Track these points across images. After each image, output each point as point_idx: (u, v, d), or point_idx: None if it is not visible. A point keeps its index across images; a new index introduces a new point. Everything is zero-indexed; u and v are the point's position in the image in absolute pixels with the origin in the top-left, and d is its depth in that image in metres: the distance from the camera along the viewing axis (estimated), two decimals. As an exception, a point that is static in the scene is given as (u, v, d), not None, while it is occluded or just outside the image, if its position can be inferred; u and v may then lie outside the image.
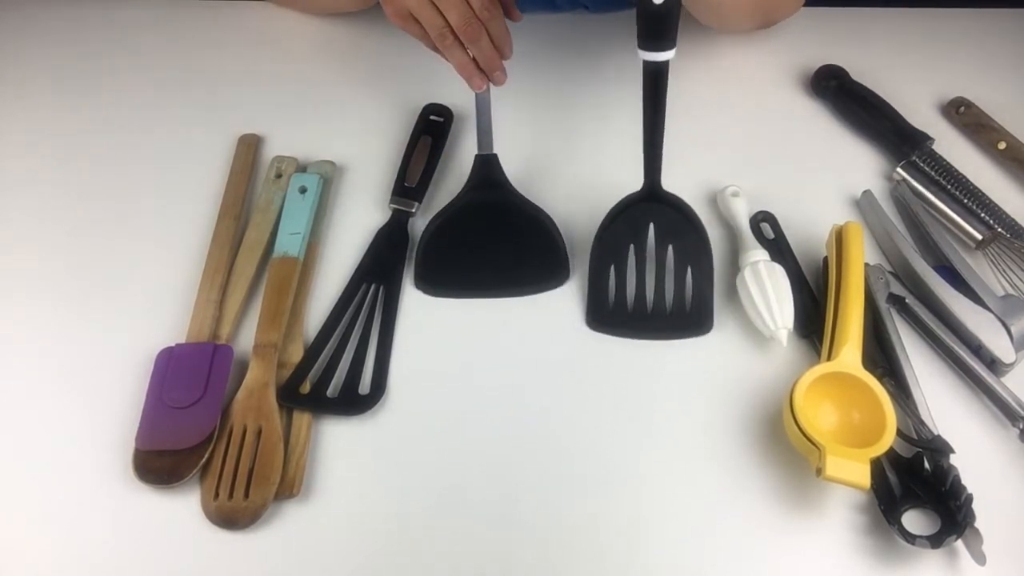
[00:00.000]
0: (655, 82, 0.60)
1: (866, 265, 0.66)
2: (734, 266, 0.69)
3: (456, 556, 0.56)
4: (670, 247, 0.67)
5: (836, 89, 0.81)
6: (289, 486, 0.58)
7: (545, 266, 0.69)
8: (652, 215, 0.66)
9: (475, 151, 0.71)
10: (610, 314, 0.66)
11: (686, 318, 0.66)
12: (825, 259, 0.68)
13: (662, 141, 0.63)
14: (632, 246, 0.67)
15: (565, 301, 0.68)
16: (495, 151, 0.71)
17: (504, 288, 0.68)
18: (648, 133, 0.62)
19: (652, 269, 0.67)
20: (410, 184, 0.74)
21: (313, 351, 0.64)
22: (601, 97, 0.81)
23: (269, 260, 0.69)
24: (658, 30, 0.57)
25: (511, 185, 0.71)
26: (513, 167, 0.73)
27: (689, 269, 0.66)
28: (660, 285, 0.66)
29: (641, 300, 0.66)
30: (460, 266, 0.69)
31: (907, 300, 0.66)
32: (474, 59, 0.65)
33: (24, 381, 0.64)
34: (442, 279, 0.69)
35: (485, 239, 0.70)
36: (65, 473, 0.59)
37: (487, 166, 0.70)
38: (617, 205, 0.67)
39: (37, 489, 0.59)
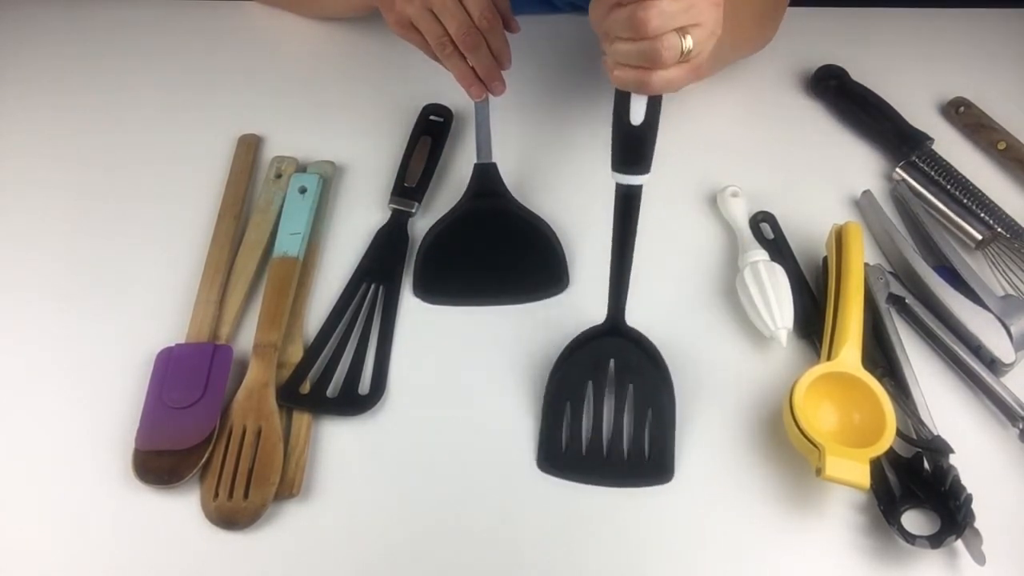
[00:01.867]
0: (627, 206, 0.56)
1: (866, 265, 0.66)
2: (734, 266, 0.69)
3: (455, 555, 0.56)
4: (631, 386, 0.62)
5: (836, 89, 0.81)
6: (289, 486, 0.58)
7: (544, 273, 0.69)
8: (614, 350, 0.62)
9: (474, 152, 0.71)
10: (562, 456, 0.60)
11: (643, 466, 0.60)
12: (825, 259, 0.68)
13: (630, 272, 0.59)
14: (591, 382, 0.62)
15: (564, 306, 0.68)
16: (494, 159, 0.71)
17: (503, 295, 0.68)
18: (616, 261, 0.59)
19: (611, 409, 0.62)
20: (410, 184, 0.74)
21: (313, 351, 0.64)
22: (601, 100, 0.80)
23: (269, 260, 0.69)
24: (635, 152, 0.54)
25: (510, 194, 0.71)
26: (512, 173, 0.73)
27: (650, 412, 0.61)
28: (619, 427, 0.61)
29: (597, 443, 0.60)
30: (459, 274, 0.69)
31: (907, 300, 0.66)
32: (473, 68, 0.65)
33: (24, 381, 0.64)
34: (441, 287, 0.69)
35: (484, 247, 0.70)
36: (65, 473, 0.59)
37: (486, 175, 0.71)
38: (577, 338, 0.63)
39: (37, 489, 0.59)
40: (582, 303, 0.67)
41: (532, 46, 0.82)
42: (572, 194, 0.74)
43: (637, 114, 0.52)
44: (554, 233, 0.70)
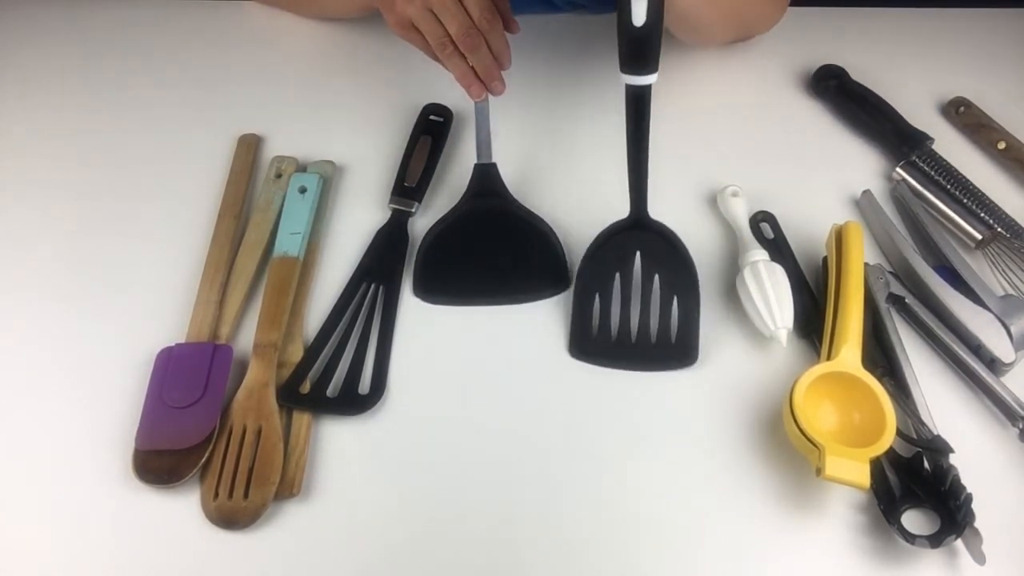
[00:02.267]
0: (638, 106, 0.59)
1: (866, 265, 0.66)
2: (734, 266, 0.69)
3: (455, 555, 0.56)
4: (656, 276, 0.65)
5: (836, 89, 0.81)
6: (289, 486, 0.58)
7: (545, 273, 0.69)
8: (638, 243, 0.65)
9: (474, 152, 0.71)
10: (593, 343, 0.65)
11: (670, 349, 0.64)
12: (825, 259, 0.68)
13: (647, 168, 0.62)
14: (618, 275, 0.66)
15: (564, 308, 0.68)
16: (494, 159, 0.71)
17: (504, 295, 0.68)
18: (632, 160, 0.61)
19: (638, 298, 0.65)
20: (410, 184, 0.74)
21: (313, 351, 0.64)
22: (601, 99, 0.81)
23: (269, 260, 0.69)
24: (640, 53, 0.56)
25: (510, 194, 0.71)
26: (512, 173, 0.73)
27: (675, 299, 0.65)
28: (645, 315, 0.65)
29: (625, 330, 0.65)
30: (459, 274, 0.69)
31: (907, 300, 0.66)
32: (473, 69, 0.66)
33: (24, 381, 0.64)
34: (441, 287, 0.69)
35: (484, 247, 0.70)
36: (65, 473, 0.59)
37: (486, 175, 0.71)
38: (603, 232, 0.66)
39: (37, 489, 0.59)
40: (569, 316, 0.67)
41: (532, 46, 0.82)
42: (572, 194, 0.74)
43: (639, 15, 0.54)
44: (554, 233, 0.70)
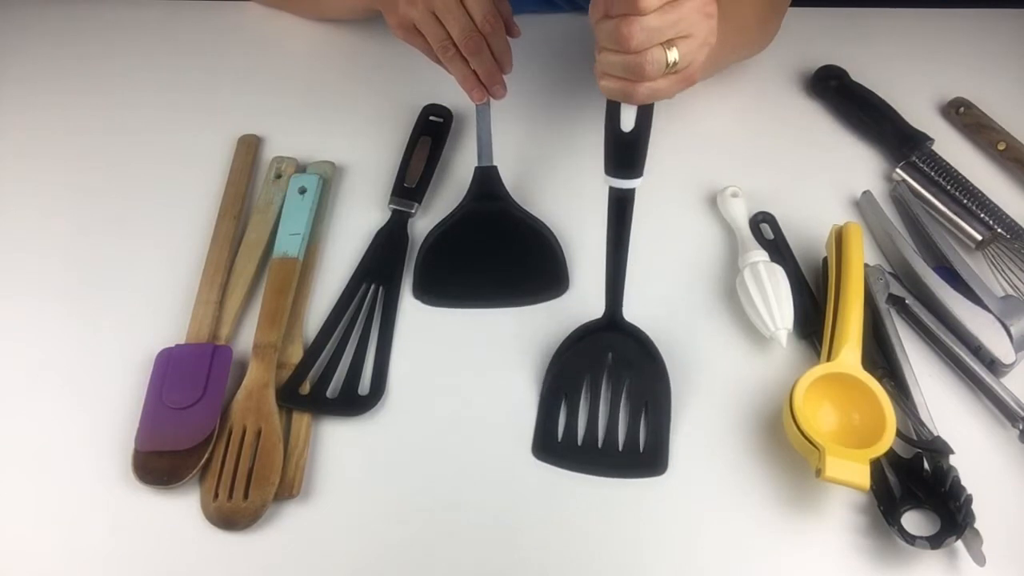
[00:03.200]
0: (620, 209, 0.57)
1: (866, 266, 0.66)
2: (734, 267, 0.69)
3: (455, 556, 0.56)
4: (627, 381, 0.63)
5: (836, 89, 0.81)
6: (289, 487, 0.58)
7: (545, 276, 0.69)
8: (611, 345, 0.63)
9: (475, 153, 0.71)
10: (558, 445, 0.61)
11: (638, 457, 0.60)
12: (825, 260, 0.68)
13: (625, 269, 0.60)
14: (588, 376, 0.63)
15: (564, 309, 0.68)
16: (495, 162, 0.71)
17: (503, 298, 0.68)
18: (611, 260, 0.60)
19: (607, 402, 0.63)
20: (409, 185, 0.74)
21: (313, 352, 0.64)
22: (601, 100, 0.80)
23: (269, 260, 0.69)
24: (627, 158, 0.54)
25: (511, 196, 0.71)
26: (513, 175, 0.73)
27: (646, 406, 0.62)
28: (614, 420, 0.62)
29: (592, 435, 0.61)
30: (459, 276, 0.69)
31: (907, 301, 0.66)
32: (475, 72, 0.65)
33: (24, 382, 0.64)
34: (441, 289, 0.68)
35: (485, 250, 0.70)
36: (65, 474, 0.59)
37: (487, 177, 0.71)
38: (576, 331, 0.64)
39: (37, 490, 0.59)
40: (582, 305, 0.67)
41: (533, 45, 0.82)
42: (572, 196, 0.74)
43: (627, 121, 0.53)
44: (554, 236, 0.70)
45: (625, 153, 0.54)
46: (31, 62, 0.85)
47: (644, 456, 0.60)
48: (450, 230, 0.70)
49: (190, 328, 0.65)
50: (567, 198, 0.74)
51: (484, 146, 0.70)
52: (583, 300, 0.68)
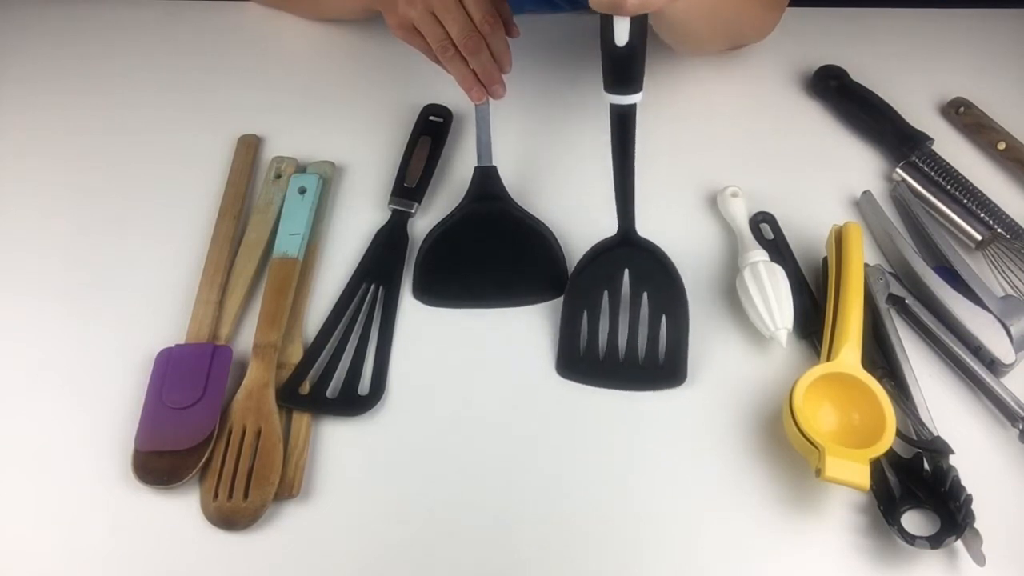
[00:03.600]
0: (623, 126, 0.58)
1: (866, 266, 0.66)
2: (734, 267, 0.69)
3: (455, 556, 0.56)
4: (644, 294, 0.65)
5: (836, 89, 0.81)
6: (288, 487, 0.58)
7: (545, 277, 0.69)
8: (627, 261, 0.65)
9: (474, 153, 0.71)
10: (580, 362, 0.64)
11: (659, 369, 0.63)
12: (825, 260, 0.68)
13: (633, 186, 0.61)
14: (606, 292, 0.65)
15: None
16: (495, 162, 0.71)
17: (503, 299, 0.68)
18: (619, 178, 0.61)
19: (626, 317, 0.65)
20: (409, 185, 0.74)
21: (312, 352, 0.64)
22: (602, 98, 0.80)
23: (269, 260, 0.69)
24: (623, 73, 0.55)
25: (510, 197, 0.71)
26: (512, 174, 0.73)
27: (664, 318, 0.64)
28: (633, 334, 0.64)
29: (613, 349, 0.64)
30: (459, 277, 0.69)
31: (907, 301, 0.66)
32: (474, 72, 0.65)
33: (23, 382, 0.64)
34: (441, 290, 0.68)
35: (484, 250, 0.69)
36: (65, 474, 0.59)
37: (486, 178, 0.70)
38: (590, 250, 0.66)
39: (37, 490, 0.59)
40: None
41: (533, 45, 0.82)
42: (572, 195, 0.74)
43: (621, 35, 0.53)
44: (554, 236, 0.70)
45: (621, 68, 0.55)
46: (31, 62, 0.85)
47: (664, 368, 0.63)
48: (450, 230, 0.70)
49: (190, 328, 0.65)
50: (567, 197, 0.74)
51: (483, 146, 0.70)
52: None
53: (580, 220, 0.72)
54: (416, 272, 0.69)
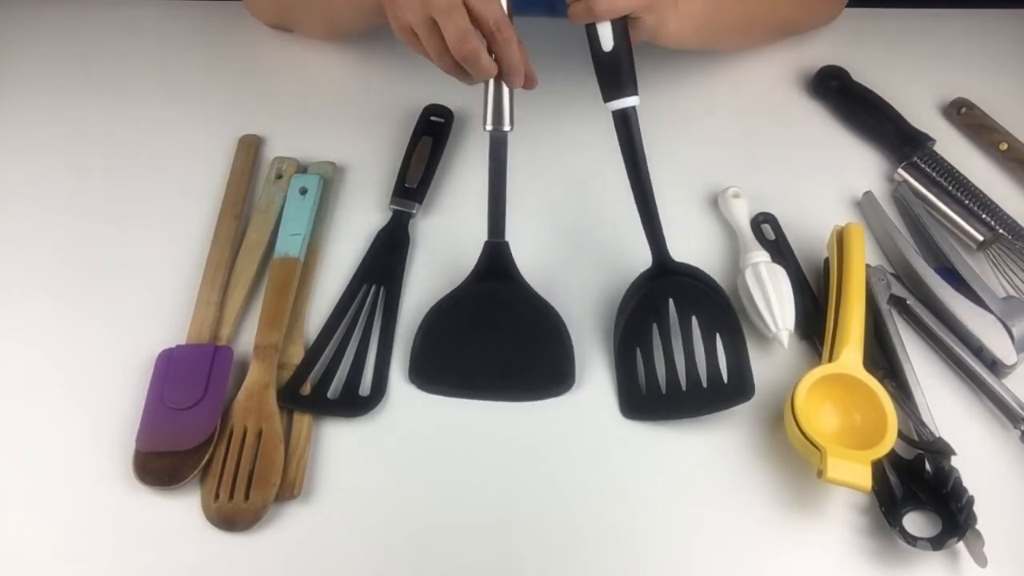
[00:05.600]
0: (627, 130, 0.59)
1: (867, 266, 0.66)
2: (735, 268, 0.69)
3: (456, 557, 0.56)
4: (693, 318, 0.63)
5: (837, 90, 0.81)
6: (290, 487, 0.58)
7: (550, 370, 0.64)
8: (669, 290, 0.64)
9: (476, 153, 0.69)
10: (644, 400, 0.62)
11: (724, 388, 0.61)
12: (826, 260, 0.68)
13: (656, 209, 0.61)
14: (655, 325, 0.64)
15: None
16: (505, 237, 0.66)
17: (504, 392, 0.63)
18: (640, 201, 0.60)
19: (679, 345, 0.63)
20: (410, 185, 0.74)
21: (314, 352, 0.64)
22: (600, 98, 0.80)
23: (270, 261, 0.68)
24: (615, 76, 0.58)
25: (521, 276, 0.66)
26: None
27: (718, 336, 0.62)
28: (691, 360, 0.62)
29: (674, 379, 0.62)
30: (458, 362, 0.64)
31: (908, 301, 0.66)
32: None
33: (25, 382, 0.64)
34: (438, 375, 0.64)
35: (488, 334, 0.65)
36: (65, 474, 0.59)
37: (496, 253, 0.66)
38: (631, 287, 0.65)
39: (38, 490, 0.59)
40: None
41: (532, 48, 0.81)
42: (572, 196, 0.74)
43: (606, 40, 0.58)
44: (564, 325, 0.65)
45: (613, 71, 0.59)
46: (31, 62, 0.85)
47: (729, 385, 0.61)
48: (453, 307, 0.65)
49: (191, 328, 0.65)
50: (567, 198, 0.73)
51: (496, 218, 0.65)
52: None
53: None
54: (413, 353, 0.64)
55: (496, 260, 0.66)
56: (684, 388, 0.62)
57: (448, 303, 0.66)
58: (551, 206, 0.74)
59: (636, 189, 0.62)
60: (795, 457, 0.59)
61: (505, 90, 0.62)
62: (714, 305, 0.63)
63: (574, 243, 0.72)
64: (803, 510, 0.58)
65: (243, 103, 0.81)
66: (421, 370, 0.64)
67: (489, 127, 0.62)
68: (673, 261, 0.64)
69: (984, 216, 0.71)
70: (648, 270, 0.65)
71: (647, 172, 0.61)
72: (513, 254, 0.66)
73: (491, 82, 0.61)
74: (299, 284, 0.67)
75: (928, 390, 0.62)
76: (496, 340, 0.65)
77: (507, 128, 0.62)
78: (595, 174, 0.76)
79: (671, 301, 0.64)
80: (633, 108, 0.59)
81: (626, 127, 0.59)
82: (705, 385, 0.61)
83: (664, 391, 0.62)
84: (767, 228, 0.72)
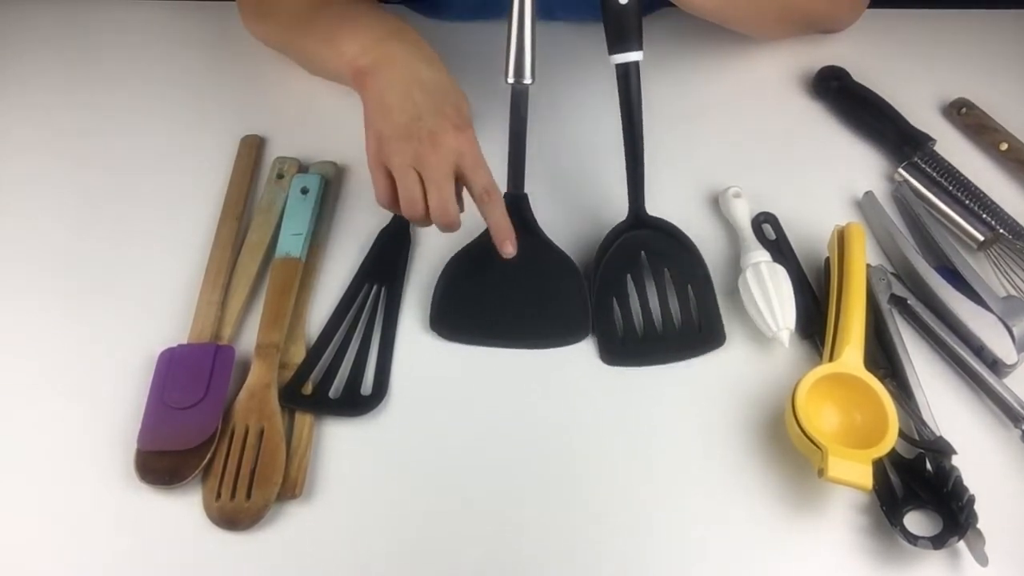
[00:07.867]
0: (628, 84, 0.62)
1: (868, 266, 0.66)
2: (736, 267, 0.69)
3: (457, 557, 0.56)
4: (666, 270, 0.67)
5: (838, 90, 0.81)
6: (291, 487, 0.58)
7: (567, 319, 0.66)
8: (641, 242, 0.67)
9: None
10: (623, 346, 0.65)
11: (697, 335, 0.65)
12: (827, 260, 0.68)
13: (643, 159, 0.63)
14: (629, 276, 0.67)
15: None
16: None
17: (523, 339, 0.65)
18: (629, 153, 0.62)
19: (654, 294, 0.67)
20: (412, 185, 0.74)
21: (315, 352, 0.64)
22: (603, 97, 0.80)
23: (271, 261, 0.69)
24: (624, 30, 0.61)
25: (539, 228, 0.68)
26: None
27: (690, 287, 0.66)
28: (665, 307, 0.66)
29: (650, 326, 0.65)
30: (479, 311, 0.66)
31: (909, 301, 0.66)
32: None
33: (26, 382, 0.64)
34: (459, 323, 0.66)
35: (507, 283, 0.67)
36: (67, 473, 0.59)
37: (516, 207, 0.66)
38: (606, 238, 0.67)
39: (39, 490, 0.59)
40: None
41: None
42: (572, 194, 0.74)
43: None
44: (581, 275, 0.67)
45: (623, 25, 0.61)
46: (31, 62, 0.85)
47: (703, 333, 0.65)
48: (472, 258, 0.67)
49: (192, 328, 0.65)
50: (566, 195, 0.74)
51: (517, 171, 0.66)
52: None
53: (581, 215, 0.71)
54: (434, 302, 0.67)
55: (516, 212, 0.66)
56: (660, 334, 0.65)
57: (470, 252, 0.68)
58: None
59: (628, 142, 0.64)
60: (796, 456, 0.59)
61: (527, 42, 0.63)
62: (686, 258, 0.67)
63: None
64: (804, 509, 0.58)
65: (245, 103, 0.81)
66: (443, 318, 0.66)
67: (511, 79, 0.64)
68: (647, 215, 0.66)
69: (984, 216, 0.71)
70: (623, 222, 0.67)
71: (641, 127, 0.63)
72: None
73: (513, 34, 0.63)
74: (300, 284, 0.67)
75: (929, 389, 0.62)
76: (515, 289, 0.67)
77: (528, 81, 0.64)
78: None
79: (643, 253, 0.67)
80: (636, 63, 0.62)
81: (627, 81, 0.62)
82: (679, 331, 0.65)
83: (640, 337, 0.65)
84: (768, 228, 0.72)
